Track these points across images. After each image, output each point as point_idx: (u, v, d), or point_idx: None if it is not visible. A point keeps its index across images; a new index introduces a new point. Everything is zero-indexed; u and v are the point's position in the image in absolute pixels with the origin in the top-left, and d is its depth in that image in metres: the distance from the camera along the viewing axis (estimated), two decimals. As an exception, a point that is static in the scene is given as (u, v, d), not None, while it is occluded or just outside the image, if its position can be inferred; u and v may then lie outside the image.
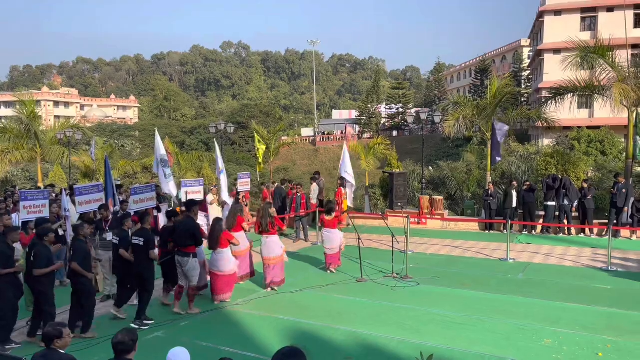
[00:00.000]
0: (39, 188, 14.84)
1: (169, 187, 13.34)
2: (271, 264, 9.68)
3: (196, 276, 8.53)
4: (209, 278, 9.13)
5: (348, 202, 16.16)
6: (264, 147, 26.49)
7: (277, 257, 9.70)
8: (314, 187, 15.71)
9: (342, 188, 15.96)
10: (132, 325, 7.70)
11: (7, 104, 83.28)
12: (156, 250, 8.29)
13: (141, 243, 7.93)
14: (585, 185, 14.81)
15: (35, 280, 7.11)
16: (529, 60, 56.76)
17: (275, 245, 9.75)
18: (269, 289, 9.67)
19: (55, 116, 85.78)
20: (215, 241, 8.76)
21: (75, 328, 7.34)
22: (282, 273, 9.90)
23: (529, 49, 58.72)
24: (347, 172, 16.21)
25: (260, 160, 26.53)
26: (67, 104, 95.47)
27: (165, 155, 13.08)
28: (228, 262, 8.88)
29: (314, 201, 15.32)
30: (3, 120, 42.93)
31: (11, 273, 7.04)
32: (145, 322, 7.93)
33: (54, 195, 13.08)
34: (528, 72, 57.47)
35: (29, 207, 9.71)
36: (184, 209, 10.01)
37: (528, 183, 15.80)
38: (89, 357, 6.60)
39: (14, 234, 7.39)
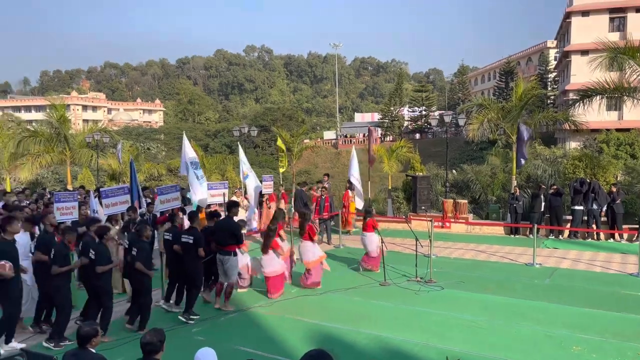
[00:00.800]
0: (69, 190, 15.20)
1: (201, 190, 13.13)
2: (309, 267, 10.05)
3: (235, 274, 8.84)
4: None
5: (356, 205, 16.37)
6: (283, 146, 26.44)
7: (312, 262, 10.02)
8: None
9: (349, 191, 16.19)
10: (181, 318, 8.09)
11: (38, 108, 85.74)
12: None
13: (191, 241, 8.21)
14: (614, 189, 14.48)
15: (97, 277, 7.35)
16: (556, 62, 55.78)
17: (309, 250, 10.05)
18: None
19: (84, 120, 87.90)
20: (267, 245, 9.32)
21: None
22: (316, 276, 10.09)
23: (556, 50, 57.75)
24: (354, 176, 16.31)
25: (282, 163, 26.50)
26: (94, 108, 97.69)
27: (196, 157, 13.12)
28: (277, 262, 9.45)
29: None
30: (34, 124, 44.14)
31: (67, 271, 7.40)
32: (192, 317, 8.18)
33: (82, 197, 13.38)
34: (554, 73, 56.48)
35: (62, 209, 9.96)
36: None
37: (555, 187, 15.50)
38: (115, 356, 6.73)
39: (71, 234, 7.68)
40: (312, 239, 10.17)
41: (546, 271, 11.25)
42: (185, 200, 13.71)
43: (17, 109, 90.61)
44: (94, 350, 4.50)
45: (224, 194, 13.05)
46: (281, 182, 20.09)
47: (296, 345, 7.20)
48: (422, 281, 10.36)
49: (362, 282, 10.51)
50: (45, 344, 7.22)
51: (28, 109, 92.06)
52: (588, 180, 15.11)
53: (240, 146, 15.24)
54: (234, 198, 14.03)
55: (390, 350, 7.06)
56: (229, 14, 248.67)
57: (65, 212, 10.05)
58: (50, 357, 4.76)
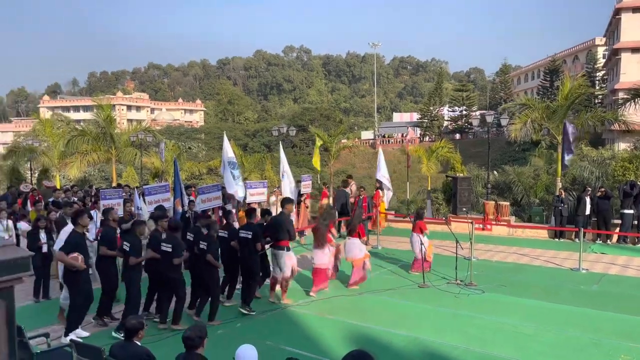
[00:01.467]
0: (115, 187, 15.70)
1: (237, 189, 13.50)
2: (354, 264, 10.18)
3: (289, 268, 9.08)
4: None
5: (385, 205, 16.41)
6: (320, 143, 26.23)
7: (358, 259, 10.13)
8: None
9: (379, 191, 16.09)
10: (241, 310, 8.46)
11: (85, 108, 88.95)
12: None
13: (249, 236, 8.59)
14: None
15: (173, 268, 7.70)
16: (604, 60, 53.71)
17: (356, 247, 10.16)
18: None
19: (128, 119, 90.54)
20: (321, 240, 9.69)
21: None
22: (359, 274, 10.17)
23: (604, 48, 55.60)
24: (384, 175, 16.29)
25: (316, 158, 26.20)
26: (138, 108, 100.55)
27: (234, 157, 13.42)
28: (327, 257, 9.77)
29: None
30: (82, 123, 45.83)
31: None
32: (251, 309, 8.52)
33: (127, 194, 13.78)
34: (603, 72, 54.39)
35: (107, 206, 10.29)
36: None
37: (603, 189, 14.92)
38: (158, 348, 6.90)
39: (142, 227, 8.02)
40: (360, 237, 10.27)
41: (593, 277, 10.85)
42: (226, 200, 13.93)
43: (66, 109, 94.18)
44: (139, 343, 4.63)
45: (263, 192, 13.19)
46: (324, 181, 20.10)
47: (333, 345, 7.20)
48: (462, 284, 10.18)
49: (401, 283, 10.42)
50: (114, 334, 7.46)
51: (76, 108, 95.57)
52: (639, 183, 14.47)
53: (281, 145, 15.35)
54: (272, 197, 14.16)
55: (429, 353, 6.96)
56: (269, 14, 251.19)
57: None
58: (99, 349, 4.92)
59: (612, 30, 45.70)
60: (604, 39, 55.18)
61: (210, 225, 8.40)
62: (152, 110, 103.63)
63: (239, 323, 8.16)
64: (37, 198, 15.14)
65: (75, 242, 7.33)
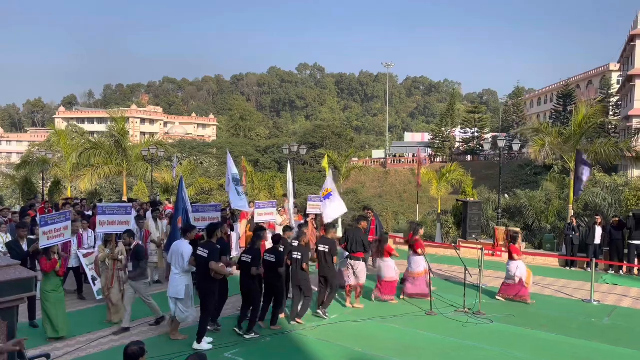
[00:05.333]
0: (122, 202, 15.71)
1: (243, 204, 13.54)
2: (415, 277, 10.99)
3: (364, 276, 10.35)
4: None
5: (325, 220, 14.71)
6: (327, 167, 26.20)
7: (419, 273, 10.93)
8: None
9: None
10: (318, 312, 9.57)
11: (100, 120, 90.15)
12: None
13: (300, 257, 9.19)
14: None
15: (278, 277, 8.78)
16: (618, 86, 53.42)
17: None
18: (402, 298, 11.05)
19: (141, 132, 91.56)
20: (381, 251, 10.83)
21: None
22: (422, 287, 10.86)
23: (618, 73, 55.33)
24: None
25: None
26: (152, 121, 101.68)
27: (238, 174, 13.42)
28: (390, 269, 10.74)
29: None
30: (95, 135, 46.35)
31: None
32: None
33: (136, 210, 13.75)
34: (617, 98, 54.06)
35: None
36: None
37: (617, 218, 14.67)
38: None
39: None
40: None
41: (605, 309, 10.60)
42: (235, 218, 13.92)
43: (81, 120, 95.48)
44: (138, 370, 4.54)
45: (272, 212, 13.13)
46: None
47: (337, 373, 7.07)
48: (471, 312, 9.99)
49: (408, 310, 10.25)
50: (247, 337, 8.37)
51: (91, 120, 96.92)
52: None
53: (289, 165, 15.34)
54: (278, 217, 14.10)
55: (434, 385, 6.80)
56: (283, 32, 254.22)
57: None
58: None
59: (627, 56, 45.53)
60: (618, 65, 54.96)
61: (299, 237, 9.46)
62: (166, 123, 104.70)
63: (240, 348, 8.04)
64: (46, 211, 15.20)
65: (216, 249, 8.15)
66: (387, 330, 9.06)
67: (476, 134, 66.06)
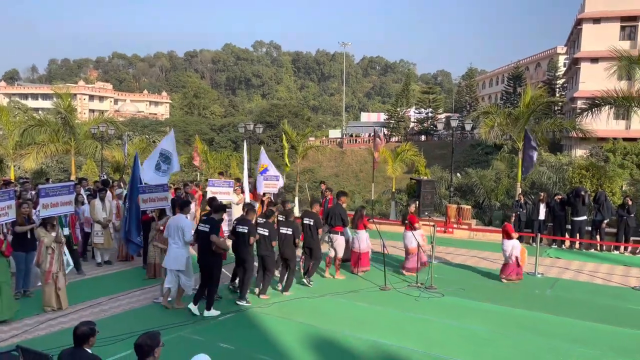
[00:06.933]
0: (72, 181, 15.07)
1: (157, 179, 12.67)
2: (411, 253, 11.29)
3: (342, 250, 10.93)
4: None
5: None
6: (287, 145, 26.42)
7: (413, 248, 11.17)
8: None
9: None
10: (303, 280, 10.28)
11: (45, 96, 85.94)
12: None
13: (290, 232, 9.70)
14: (630, 202, 14.33)
15: (271, 249, 9.27)
16: (565, 69, 55.46)
17: (410, 239, 11.19)
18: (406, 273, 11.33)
19: (90, 110, 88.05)
20: (355, 224, 11.22)
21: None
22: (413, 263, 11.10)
23: (565, 56, 57.38)
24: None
25: (286, 161, 26.51)
26: (101, 98, 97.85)
27: (171, 152, 12.56)
28: (363, 242, 11.16)
29: None
30: (41, 112, 44.19)
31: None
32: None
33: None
34: (563, 80, 56.17)
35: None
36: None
37: (560, 196, 15.38)
38: (110, 353, 6.71)
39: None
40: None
41: (548, 281, 11.16)
42: (189, 197, 13.63)
43: (24, 96, 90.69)
44: (89, 351, 4.45)
45: (229, 192, 12.96)
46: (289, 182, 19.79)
47: (291, 347, 7.16)
48: (423, 287, 10.30)
49: (363, 286, 10.46)
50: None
51: (35, 96, 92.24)
52: (585, 191, 14.89)
53: (245, 144, 15.14)
54: (235, 196, 13.95)
55: (388, 357, 7.00)
56: (239, 7, 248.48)
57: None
58: (46, 356, 4.72)
59: (573, 39, 47.17)
60: (565, 48, 56.93)
61: (288, 213, 10.09)
62: (116, 101, 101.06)
63: (197, 326, 7.99)
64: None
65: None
66: (343, 305, 9.22)
67: (430, 115, 67.25)
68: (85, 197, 12.53)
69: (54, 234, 8.72)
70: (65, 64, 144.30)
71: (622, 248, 14.32)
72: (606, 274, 11.98)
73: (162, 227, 10.20)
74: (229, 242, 9.29)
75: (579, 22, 42.45)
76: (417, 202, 12.07)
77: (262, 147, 15.15)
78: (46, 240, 8.58)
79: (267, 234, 9.22)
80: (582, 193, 14.55)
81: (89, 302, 9.01)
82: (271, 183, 14.23)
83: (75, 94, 73.73)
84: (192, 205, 13.33)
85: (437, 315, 8.72)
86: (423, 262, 11.25)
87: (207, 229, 8.36)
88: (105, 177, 21.52)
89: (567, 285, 11.00)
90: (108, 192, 12.55)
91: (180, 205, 9.16)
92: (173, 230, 8.60)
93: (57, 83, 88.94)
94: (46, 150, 23.89)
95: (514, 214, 13.66)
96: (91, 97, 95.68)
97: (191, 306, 8.43)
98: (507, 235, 11.07)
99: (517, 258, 10.90)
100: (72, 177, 23.31)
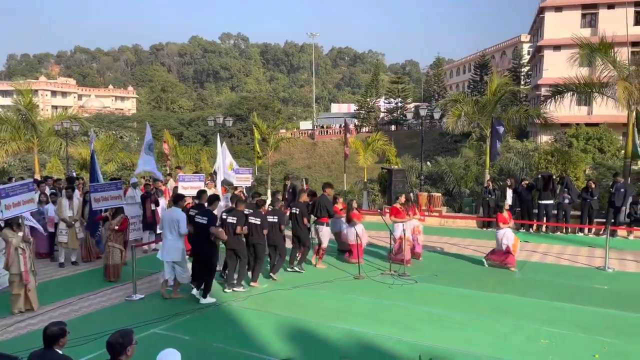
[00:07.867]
0: (36, 180, 14.67)
1: (151, 167, 13.38)
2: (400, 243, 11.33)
3: (327, 240, 11.20)
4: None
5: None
6: (258, 137, 26.39)
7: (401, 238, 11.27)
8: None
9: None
10: (295, 268, 10.75)
11: (4, 93, 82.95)
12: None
13: (276, 220, 10.06)
14: (593, 186, 14.79)
15: (262, 237, 9.63)
16: (529, 56, 56.64)
17: (397, 230, 11.35)
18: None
19: (53, 106, 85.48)
20: (348, 218, 11.42)
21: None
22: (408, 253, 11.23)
23: (529, 44, 58.58)
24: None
25: (258, 153, 26.44)
26: (64, 94, 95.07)
27: (153, 141, 13.29)
28: (352, 234, 11.24)
29: None
30: (0, 110, 42.66)
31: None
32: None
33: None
34: (527, 68, 57.36)
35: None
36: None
37: (526, 181, 15.76)
38: (83, 354, 6.58)
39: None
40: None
41: (517, 264, 11.43)
42: (159, 193, 13.44)
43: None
44: (60, 352, 4.35)
45: (200, 187, 12.81)
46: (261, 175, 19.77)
47: (267, 340, 7.16)
48: (396, 275, 10.43)
49: (337, 275, 10.52)
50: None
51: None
52: (549, 175, 15.34)
53: (218, 138, 14.99)
54: (206, 189, 13.81)
55: (363, 345, 7.07)
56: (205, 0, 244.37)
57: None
58: (15, 358, 4.60)
59: (537, 28, 48.18)
60: (529, 36, 58.09)
61: (274, 202, 10.67)
62: (80, 96, 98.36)
63: (169, 322, 7.90)
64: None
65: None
66: (317, 296, 9.27)
67: (399, 104, 67.82)
68: (48, 195, 12.20)
69: (21, 233, 8.48)
70: (25, 59, 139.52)
71: (586, 230, 14.79)
72: (571, 255, 12.38)
73: (116, 227, 10.14)
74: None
75: (542, 10, 43.37)
76: (405, 195, 12.07)
77: (223, 143, 14.87)
78: (14, 241, 8.31)
79: (258, 222, 9.54)
80: (547, 177, 14.98)
81: (59, 302, 8.80)
82: (244, 177, 14.19)
83: (36, 90, 71.59)
84: (162, 201, 13.19)
85: (411, 301, 8.85)
86: (417, 253, 11.78)
87: (204, 221, 8.61)
88: (74, 174, 20.98)
89: (535, 267, 11.31)
90: (76, 190, 12.26)
91: (174, 199, 9.35)
92: (167, 223, 8.79)
93: (17, 79, 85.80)
94: (7, 149, 23.13)
95: (505, 204, 13.55)
96: (53, 93, 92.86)
97: (195, 292, 8.97)
98: (499, 225, 11.34)
99: (508, 246, 11.07)
100: (36, 176, 22.61)
